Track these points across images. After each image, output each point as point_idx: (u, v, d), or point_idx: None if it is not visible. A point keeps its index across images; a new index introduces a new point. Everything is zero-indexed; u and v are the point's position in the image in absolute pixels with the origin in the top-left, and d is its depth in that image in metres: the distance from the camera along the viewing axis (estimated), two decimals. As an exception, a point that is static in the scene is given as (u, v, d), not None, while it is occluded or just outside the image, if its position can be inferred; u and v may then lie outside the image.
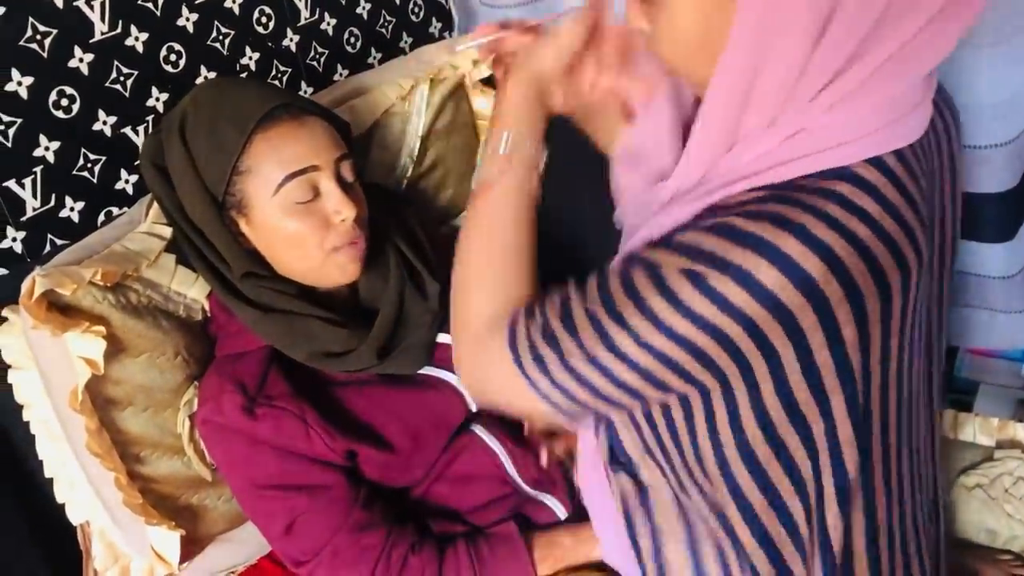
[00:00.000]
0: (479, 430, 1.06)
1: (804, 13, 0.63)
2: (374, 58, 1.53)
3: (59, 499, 1.05)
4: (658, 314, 0.67)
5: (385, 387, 1.03)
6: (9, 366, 0.98)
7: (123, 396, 0.97)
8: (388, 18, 1.55)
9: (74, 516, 1.05)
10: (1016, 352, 1.65)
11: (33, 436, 0.99)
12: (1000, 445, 1.25)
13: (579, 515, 1.04)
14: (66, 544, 1.11)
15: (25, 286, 0.89)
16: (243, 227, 0.99)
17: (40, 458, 1.03)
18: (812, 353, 0.68)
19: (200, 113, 0.98)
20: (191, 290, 1.04)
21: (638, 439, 0.84)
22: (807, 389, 0.71)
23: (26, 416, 1.01)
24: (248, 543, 1.10)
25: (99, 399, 0.95)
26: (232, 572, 1.14)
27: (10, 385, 0.97)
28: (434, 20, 1.65)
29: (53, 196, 1.11)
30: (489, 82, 1.34)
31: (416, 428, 1.02)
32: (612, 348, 0.69)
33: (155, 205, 1.03)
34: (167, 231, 1.03)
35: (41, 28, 1.07)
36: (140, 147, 1.15)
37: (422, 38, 1.62)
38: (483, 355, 0.79)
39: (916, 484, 0.85)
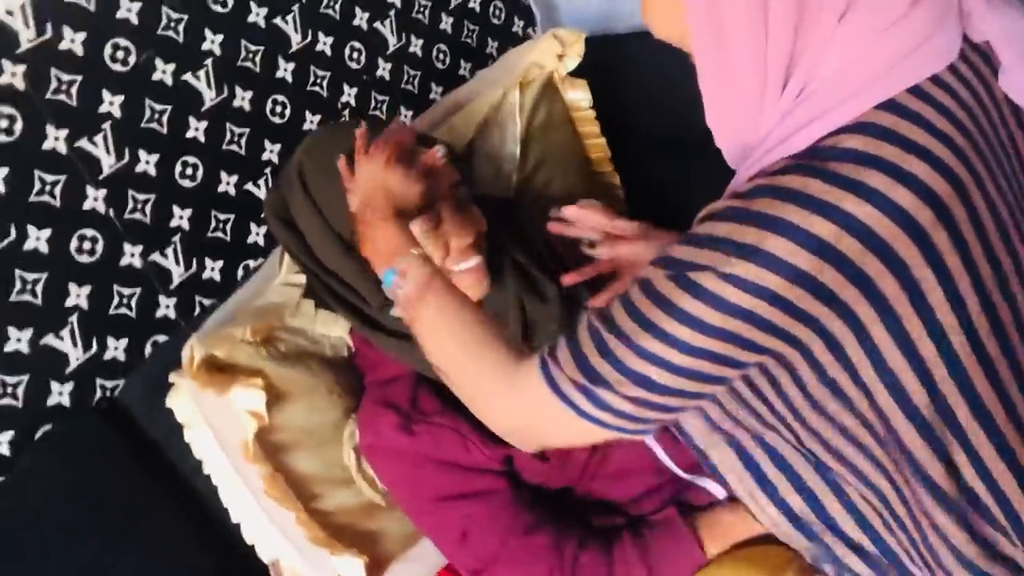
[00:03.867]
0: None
1: None
2: (464, 69, 1.56)
3: (248, 541, 1.13)
4: (710, 289, 0.66)
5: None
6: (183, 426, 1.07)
7: (290, 441, 1.04)
8: (471, 27, 1.57)
9: (264, 555, 1.12)
10: None
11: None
12: None
13: (740, 493, 1.04)
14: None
15: (185, 355, 0.96)
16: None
17: (224, 506, 1.12)
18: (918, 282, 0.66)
19: (316, 161, 1.03)
20: (333, 329, 1.09)
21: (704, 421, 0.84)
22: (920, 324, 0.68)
23: (206, 471, 1.09)
24: (423, 560, 1.14)
25: (269, 447, 1.01)
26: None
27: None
28: (516, 19, 1.66)
29: (194, 261, 1.19)
30: (576, 73, 1.34)
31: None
32: (663, 336, 0.68)
33: (286, 257, 1.09)
34: (301, 279, 1.08)
35: (157, 107, 1.15)
36: (263, 200, 1.21)
37: (507, 39, 1.63)
38: (521, 407, 0.80)
39: None
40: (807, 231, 0.64)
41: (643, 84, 1.43)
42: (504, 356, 0.82)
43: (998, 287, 0.69)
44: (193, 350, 0.95)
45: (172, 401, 1.04)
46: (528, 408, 0.80)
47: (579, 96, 1.36)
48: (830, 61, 0.69)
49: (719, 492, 1.06)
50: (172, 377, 1.03)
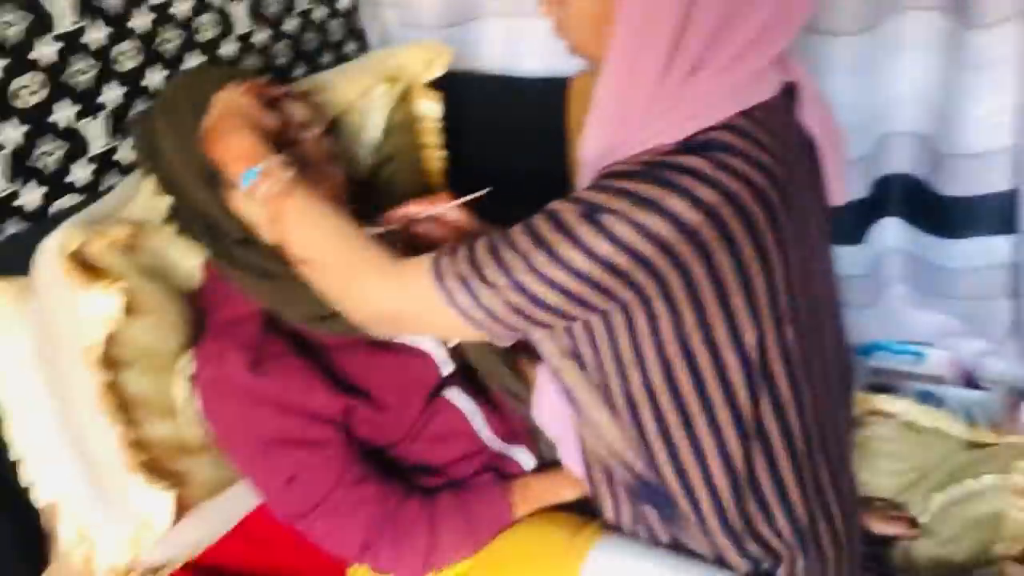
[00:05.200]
0: (451, 393, 1.15)
1: (668, 8, 0.81)
2: (299, 71, 1.61)
3: (25, 480, 1.05)
4: (581, 237, 0.80)
5: (368, 352, 1.11)
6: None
7: (129, 357, 1.00)
8: (309, 36, 1.63)
9: (43, 495, 1.05)
10: (862, 346, 1.90)
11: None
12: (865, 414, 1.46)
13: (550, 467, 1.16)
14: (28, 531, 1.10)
15: (55, 241, 0.91)
16: (233, 199, 1.05)
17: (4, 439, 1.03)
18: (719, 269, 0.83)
19: (184, 96, 1.05)
20: (188, 258, 1.08)
21: (554, 346, 0.96)
22: (717, 303, 0.85)
23: (-1, 392, 1.01)
24: (224, 510, 1.12)
25: (106, 359, 0.97)
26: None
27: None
28: (351, 42, 1.75)
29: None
30: (435, 85, 1.46)
31: (401, 388, 1.10)
32: (534, 268, 0.82)
33: (146, 181, 1.08)
34: (163, 202, 1.07)
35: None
36: (130, 122, 1.21)
37: (341, 59, 1.71)
38: (398, 292, 0.89)
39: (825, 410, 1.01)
40: (698, 196, 0.80)
41: (472, 122, 1.57)
42: (379, 250, 0.91)
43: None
44: (67, 237, 0.90)
45: (-14, 308, 0.97)
46: (404, 294, 0.89)
47: (431, 107, 1.47)
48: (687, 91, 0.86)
49: (529, 463, 1.17)
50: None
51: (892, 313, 1.84)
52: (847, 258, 1.76)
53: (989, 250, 1.65)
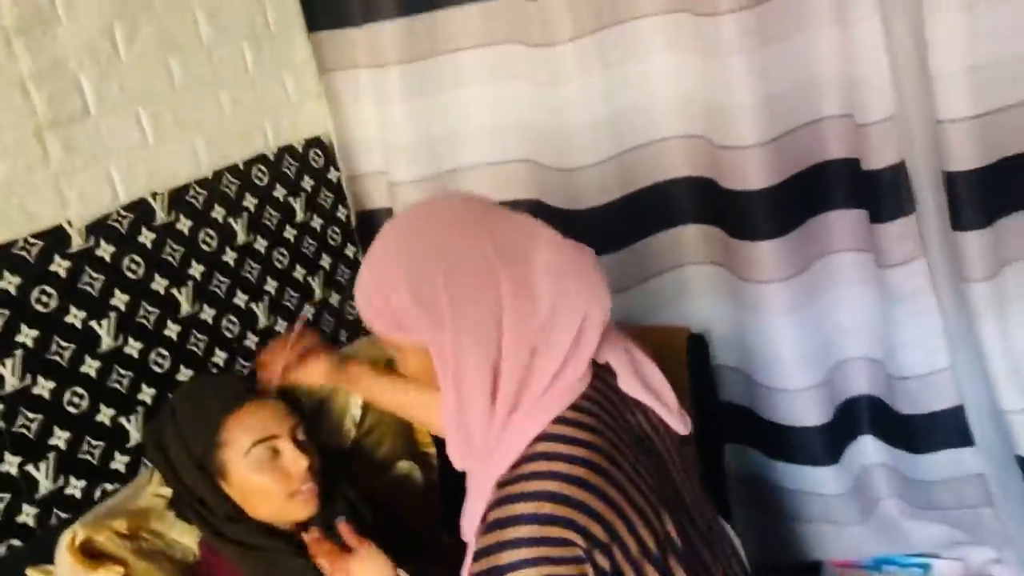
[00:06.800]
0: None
1: (475, 371, 0.94)
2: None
3: None
4: None
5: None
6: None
7: (132, 628, 1.20)
8: (329, 319, 1.92)
9: None
10: (870, 560, 1.94)
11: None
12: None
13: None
14: None
15: (67, 537, 1.15)
16: (223, 485, 1.28)
17: None
18: None
19: (187, 404, 1.31)
20: (185, 537, 1.30)
21: None
22: None
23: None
24: None
25: (114, 632, 1.17)
26: None
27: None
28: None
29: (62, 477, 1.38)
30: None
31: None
32: None
33: (156, 473, 1.32)
34: (167, 491, 1.30)
35: (63, 343, 1.39)
36: (145, 427, 1.46)
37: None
38: None
39: None
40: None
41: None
42: None
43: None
44: (76, 532, 1.14)
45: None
46: None
47: (410, 380, 1.69)
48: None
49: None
50: (28, 571, 1.20)
51: (891, 526, 1.89)
52: (829, 477, 1.85)
53: (958, 462, 1.73)
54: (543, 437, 0.97)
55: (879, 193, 1.60)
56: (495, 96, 1.80)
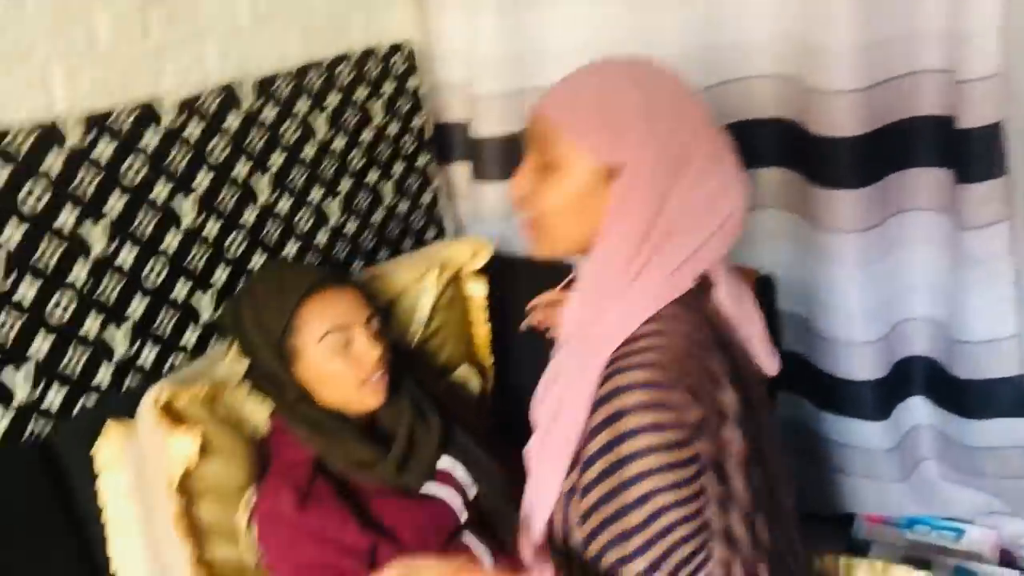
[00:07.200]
0: (466, 537, 1.34)
1: (640, 207, 0.96)
2: (382, 256, 1.91)
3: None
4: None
5: (398, 499, 1.31)
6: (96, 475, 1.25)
7: (203, 489, 1.23)
8: (394, 226, 1.94)
9: (129, 606, 1.27)
10: (903, 519, 1.96)
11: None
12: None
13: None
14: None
15: (152, 394, 1.19)
16: (296, 368, 1.31)
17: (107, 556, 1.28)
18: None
19: (267, 285, 1.34)
20: (257, 412, 1.34)
21: None
22: None
23: (104, 518, 1.26)
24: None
25: (185, 490, 1.21)
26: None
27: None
28: (431, 229, 2.05)
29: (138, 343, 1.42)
30: (482, 271, 1.72)
31: (422, 531, 1.29)
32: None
33: (233, 347, 1.36)
34: (243, 365, 1.34)
35: (149, 215, 1.42)
36: (223, 305, 1.52)
37: (420, 244, 2.01)
38: None
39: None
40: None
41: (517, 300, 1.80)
42: None
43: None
44: (163, 390, 1.18)
45: (99, 446, 1.23)
46: None
47: (478, 288, 1.72)
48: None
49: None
50: (109, 423, 1.24)
51: (929, 488, 1.91)
52: (875, 433, 1.86)
53: (1011, 431, 1.73)
54: (656, 319, 0.97)
55: (969, 153, 1.57)
56: (588, 17, 1.78)
